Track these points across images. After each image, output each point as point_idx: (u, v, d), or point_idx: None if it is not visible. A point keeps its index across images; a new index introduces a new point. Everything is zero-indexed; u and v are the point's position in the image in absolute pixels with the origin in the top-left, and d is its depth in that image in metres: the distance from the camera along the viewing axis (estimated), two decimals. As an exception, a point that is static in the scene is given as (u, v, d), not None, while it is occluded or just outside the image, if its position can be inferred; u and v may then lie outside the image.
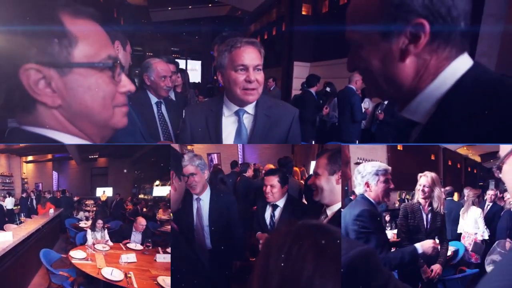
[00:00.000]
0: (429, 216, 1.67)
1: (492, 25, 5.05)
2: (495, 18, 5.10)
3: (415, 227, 1.66)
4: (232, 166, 2.19)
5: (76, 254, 1.67)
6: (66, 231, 2.31)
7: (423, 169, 1.72)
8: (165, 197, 2.28)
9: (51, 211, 2.35)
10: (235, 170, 2.16)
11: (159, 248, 1.53)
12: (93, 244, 1.81)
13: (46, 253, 1.70)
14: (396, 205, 2.84)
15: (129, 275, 1.33)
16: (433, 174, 1.66)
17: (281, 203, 1.55)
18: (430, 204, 1.66)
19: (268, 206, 1.58)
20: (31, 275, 1.76)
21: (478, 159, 2.48)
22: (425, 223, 1.66)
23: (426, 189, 1.67)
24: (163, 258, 1.42)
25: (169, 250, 1.51)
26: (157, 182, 2.38)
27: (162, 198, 2.28)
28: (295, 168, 2.12)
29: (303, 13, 11.84)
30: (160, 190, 2.34)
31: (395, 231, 2.27)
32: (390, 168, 1.50)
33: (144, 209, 2.27)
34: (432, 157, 2.03)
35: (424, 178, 1.68)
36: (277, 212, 1.56)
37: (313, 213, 1.29)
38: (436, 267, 1.54)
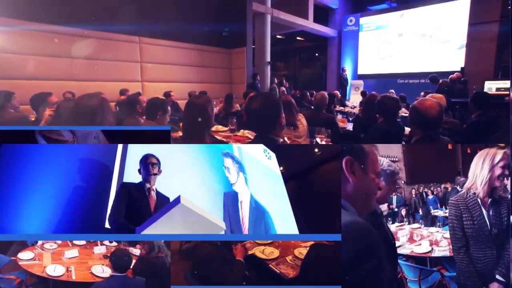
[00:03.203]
0: (491, 211, 1.16)
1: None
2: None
3: (476, 230, 1.16)
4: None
5: (24, 256, 1.67)
6: (20, 233, 2.29)
7: (440, 160, 1.39)
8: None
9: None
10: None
11: (98, 242, 1.61)
12: (42, 243, 1.83)
13: (-6, 258, 1.64)
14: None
15: (70, 269, 1.41)
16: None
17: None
18: (491, 195, 1.16)
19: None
20: (-17, 282, 1.71)
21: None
22: (487, 222, 1.15)
23: (506, 172, 1.17)
24: (99, 249, 1.50)
25: (105, 242, 1.59)
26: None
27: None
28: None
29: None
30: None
31: (414, 225, 1.95)
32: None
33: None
34: (449, 146, 1.83)
35: (503, 154, 1.16)
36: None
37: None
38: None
